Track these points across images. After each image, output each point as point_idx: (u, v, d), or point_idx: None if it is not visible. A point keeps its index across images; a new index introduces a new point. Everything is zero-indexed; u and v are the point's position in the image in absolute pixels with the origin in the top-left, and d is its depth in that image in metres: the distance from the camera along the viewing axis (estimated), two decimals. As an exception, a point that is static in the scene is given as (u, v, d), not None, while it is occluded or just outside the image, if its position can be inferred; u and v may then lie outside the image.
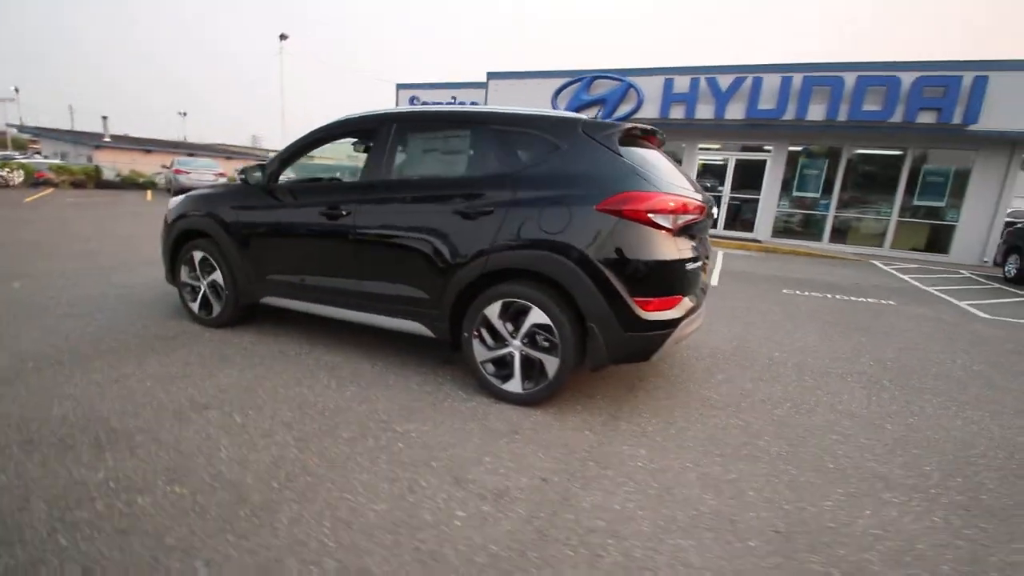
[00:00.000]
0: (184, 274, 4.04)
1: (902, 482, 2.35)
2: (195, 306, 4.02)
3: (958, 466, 2.53)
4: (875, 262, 11.50)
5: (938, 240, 12.71)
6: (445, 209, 2.95)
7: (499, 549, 1.74)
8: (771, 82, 12.55)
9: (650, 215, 2.55)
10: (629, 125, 2.81)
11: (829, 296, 7.16)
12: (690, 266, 2.78)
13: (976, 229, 12.17)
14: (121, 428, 2.38)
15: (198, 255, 3.92)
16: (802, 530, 1.95)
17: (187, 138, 59.98)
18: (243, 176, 3.66)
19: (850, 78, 11.83)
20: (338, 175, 4.86)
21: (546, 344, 2.78)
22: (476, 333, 2.93)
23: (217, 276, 3.85)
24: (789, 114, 12.53)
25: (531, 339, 2.81)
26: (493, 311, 2.85)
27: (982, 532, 2.01)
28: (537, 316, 2.74)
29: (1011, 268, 9.64)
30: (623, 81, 13.99)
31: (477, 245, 2.84)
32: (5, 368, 2.97)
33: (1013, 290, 8.84)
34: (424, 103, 17.65)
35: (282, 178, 3.70)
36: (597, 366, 2.72)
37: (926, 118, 11.47)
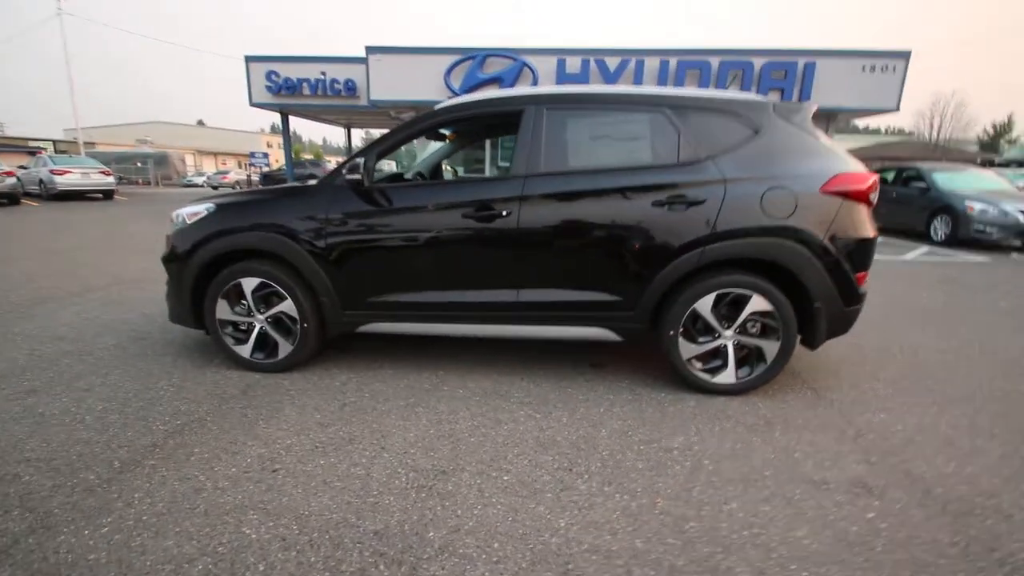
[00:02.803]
0: (224, 310, 3.04)
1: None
2: (246, 349, 3.08)
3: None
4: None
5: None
6: (642, 201, 2.70)
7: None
8: (652, 64, 13.70)
9: (869, 194, 2.66)
10: (814, 105, 2.85)
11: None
12: None
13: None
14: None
15: (250, 283, 2.98)
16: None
17: None
18: (318, 176, 2.86)
19: (715, 62, 13.49)
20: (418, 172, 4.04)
21: (761, 330, 2.76)
22: (682, 329, 2.77)
23: (287, 306, 2.99)
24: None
25: (743, 327, 2.76)
26: (705, 305, 2.72)
27: None
28: (758, 304, 2.69)
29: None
30: (517, 60, 13.96)
31: (687, 238, 2.66)
32: None
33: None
34: (287, 79, 15.48)
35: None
36: (817, 343, 2.79)
37: (773, 97, 13.68)
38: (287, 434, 2.37)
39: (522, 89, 2.98)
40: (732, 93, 2.89)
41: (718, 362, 2.83)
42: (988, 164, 24.23)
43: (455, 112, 2.97)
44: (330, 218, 2.88)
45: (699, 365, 2.84)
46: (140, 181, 34.83)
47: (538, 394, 2.85)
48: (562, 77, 14.01)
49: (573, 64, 13.90)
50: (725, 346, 2.80)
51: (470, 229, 2.79)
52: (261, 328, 3.07)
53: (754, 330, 2.78)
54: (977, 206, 8.82)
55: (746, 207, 2.63)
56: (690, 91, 2.87)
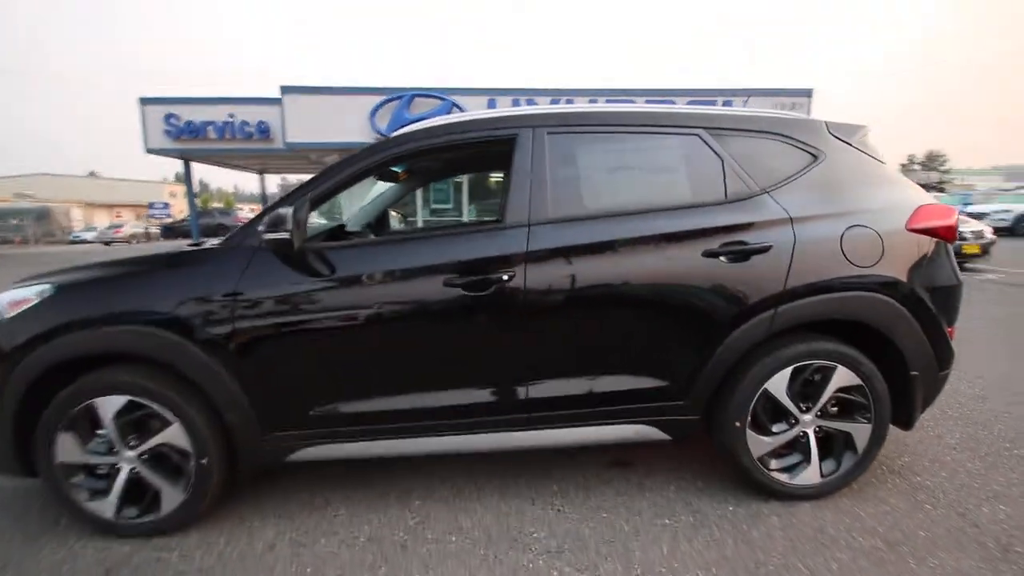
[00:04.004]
0: (69, 448, 1.95)
1: None
2: (108, 505, 1.99)
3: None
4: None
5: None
6: (688, 252, 2.00)
7: None
8: (581, 104, 13.78)
9: (956, 230, 2.14)
10: (865, 125, 2.34)
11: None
12: None
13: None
14: None
15: (111, 403, 1.93)
16: None
17: None
18: (229, 227, 1.93)
19: (640, 101, 13.83)
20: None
21: (846, 410, 2.12)
22: (750, 418, 2.06)
23: (173, 435, 1.95)
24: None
25: (825, 409, 2.11)
26: (779, 384, 2.04)
27: None
28: (843, 377, 2.05)
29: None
30: (445, 100, 13.45)
31: (753, 296, 1.98)
32: None
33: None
34: (189, 123, 13.95)
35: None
36: (913, 421, 2.17)
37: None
38: None
39: (512, 109, 2.23)
40: (772, 111, 2.32)
41: (796, 457, 2.14)
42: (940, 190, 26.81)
43: (419, 141, 2.14)
44: (241, 296, 1.92)
45: (774, 464, 2.13)
46: (17, 240, 30.56)
47: (566, 530, 1.99)
48: (494, 116, 13.70)
49: (504, 104, 13.62)
50: (805, 435, 2.11)
51: (456, 303, 1.95)
52: (132, 471, 1.99)
53: (838, 411, 2.13)
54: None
55: (824, 253, 2.01)
56: (725, 109, 2.26)
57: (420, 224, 12.09)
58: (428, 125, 2.19)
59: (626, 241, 2.01)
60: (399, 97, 13.41)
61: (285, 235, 1.80)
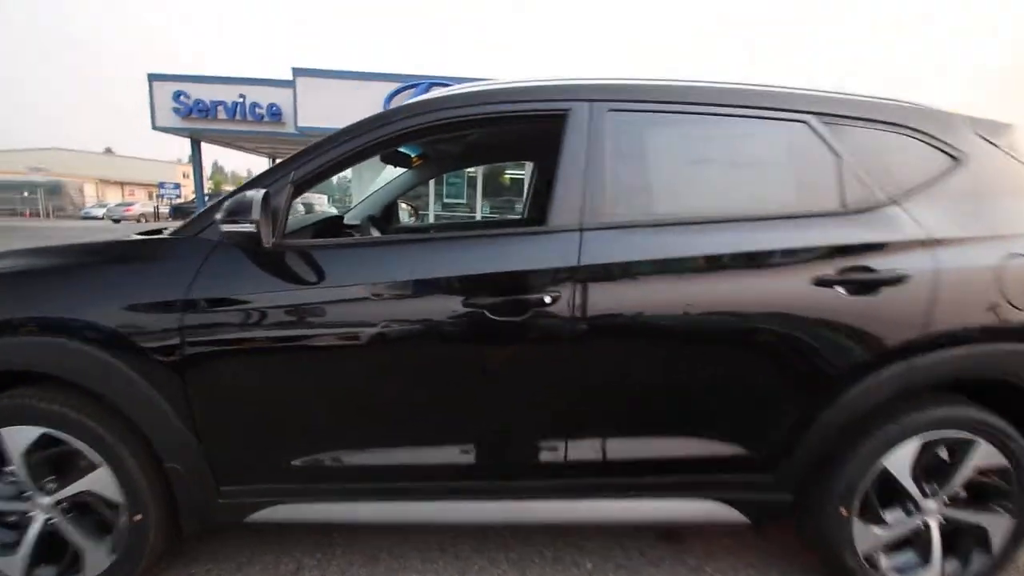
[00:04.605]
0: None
1: None
2: (15, 565, 1.52)
3: None
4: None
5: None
6: (794, 278, 1.50)
7: None
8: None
9: None
10: (1012, 124, 1.81)
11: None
12: None
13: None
14: None
15: (21, 436, 1.47)
16: None
17: None
18: (178, 225, 1.47)
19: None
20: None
21: (978, 496, 1.61)
22: (860, 503, 1.56)
23: (98, 480, 1.49)
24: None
25: (957, 495, 1.60)
26: (902, 459, 1.54)
27: None
28: (985, 455, 1.54)
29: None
30: (464, 90, 12.97)
31: (883, 341, 1.47)
32: None
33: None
34: (199, 101, 13.56)
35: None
36: None
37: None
38: None
39: (563, 78, 1.72)
40: (899, 98, 1.80)
41: (910, 556, 1.63)
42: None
43: (434, 114, 1.62)
44: (193, 307, 1.43)
45: (884, 563, 1.62)
46: (27, 213, 30.54)
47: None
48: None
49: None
50: (926, 528, 1.60)
51: (478, 329, 1.46)
52: (48, 522, 1.52)
53: (970, 498, 1.62)
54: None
55: (975, 288, 1.49)
56: (842, 92, 1.74)
57: (432, 221, 11.62)
58: (445, 95, 1.68)
59: (709, 259, 1.51)
60: (415, 85, 12.91)
61: (249, 228, 1.31)
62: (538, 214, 2.87)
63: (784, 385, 1.52)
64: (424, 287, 1.48)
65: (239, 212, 1.32)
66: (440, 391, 1.53)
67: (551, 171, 1.58)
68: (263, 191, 1.37)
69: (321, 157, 1.54)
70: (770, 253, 1.51)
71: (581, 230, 1.48)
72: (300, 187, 1.56)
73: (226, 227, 1.34)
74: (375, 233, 2.33)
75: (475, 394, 1.54)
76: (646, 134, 1.60)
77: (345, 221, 2.43)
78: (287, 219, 1.54)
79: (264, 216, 1.37)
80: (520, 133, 2.19)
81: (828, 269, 1.49)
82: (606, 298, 1.46)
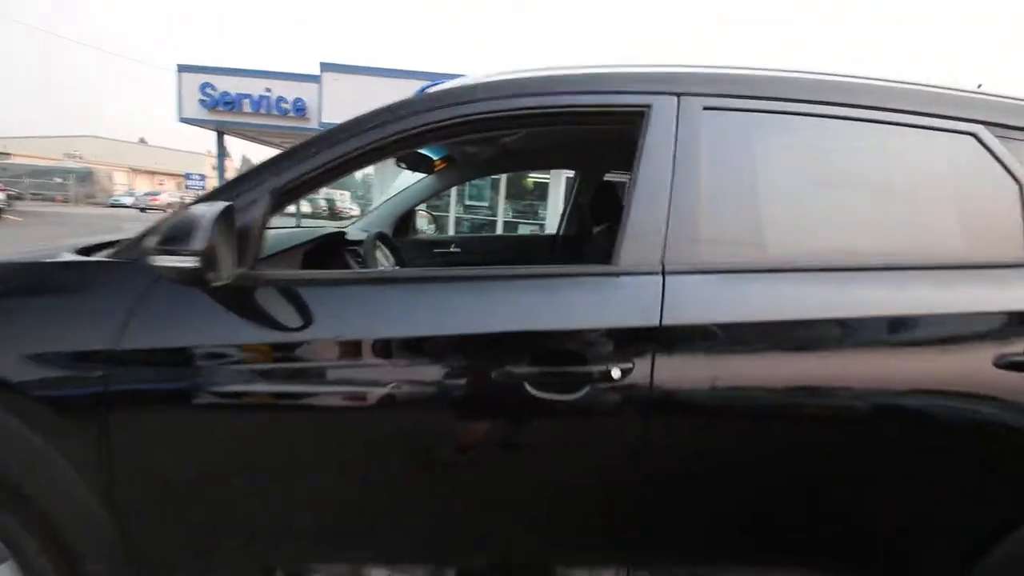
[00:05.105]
0: None
1: None
2: None
3: None
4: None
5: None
6: (967, 353, 1.06)
7: None
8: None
9: None
10: None
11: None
12: None
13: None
14: None
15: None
16: None
17: None
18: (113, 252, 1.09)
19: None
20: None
21: None
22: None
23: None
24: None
25: None
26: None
27: None
28: None
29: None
30: (491, 90, 12.61)
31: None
32: None
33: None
34: (225, 94, 13.45)
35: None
36: None
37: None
38: None
39: (640, 65, 1.29)
40: None
41: None
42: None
43: (464, 106, 1.20)
44: (123, 360, 1.05)
45: None
46: (58, 199, 31.24)
47: None
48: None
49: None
50: None
51: (516, 408, 1.05)
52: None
53: None
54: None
55: None
56: (1015, 97, 1.28)
57: (452, 223, 11.25)
58: (480, 82, 1.27)
59: (843, 324, 1.06)
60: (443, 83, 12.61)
61: (190, 263, 0.92)
62: (576, 232, 2.44)
63: (945, 501, 1.07)
64: (438, 347, 1.07)
65: (177, 239, 0.92)
66: (457, 488, 1.12)
67: (609, 187, 1.17)
68: (222, 206, 0.97)
69: (308, 161, 1.14)
70: (929, 320, 1.06)
71: (663, 274, 1.06)
72: (282, 199, 1.16)
73: (159, 260, 0.94)
74: (383, 254, 1.92)
75: (507, 493, 1.12)
76: (756, 143, 1.16)
77: (348, 237, 2.01)
78: (261, 240, 1.14)
79: (224, 239, 0.98)
80: (567, 136, 1.76)
81: (1018, 346, 1.03)
82: (699, 371, 1.03)
